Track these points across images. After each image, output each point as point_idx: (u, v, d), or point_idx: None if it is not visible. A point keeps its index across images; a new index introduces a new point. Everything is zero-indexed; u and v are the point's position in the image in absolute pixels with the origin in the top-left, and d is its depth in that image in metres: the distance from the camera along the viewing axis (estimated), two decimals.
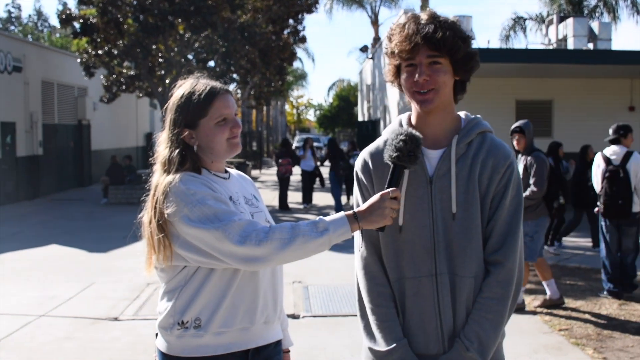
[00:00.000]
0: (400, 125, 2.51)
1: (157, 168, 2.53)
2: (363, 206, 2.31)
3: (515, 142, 7.60)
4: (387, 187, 2.30)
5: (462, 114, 2.52)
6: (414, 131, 2.29)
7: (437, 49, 2.29)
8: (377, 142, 2.55)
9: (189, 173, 2.45)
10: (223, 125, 2.50)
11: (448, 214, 2.35)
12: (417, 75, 2.32)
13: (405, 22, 2.35)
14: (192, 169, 2.47)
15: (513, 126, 7.66)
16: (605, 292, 8.09)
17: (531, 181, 7.41)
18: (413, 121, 2.48)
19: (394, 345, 2.38)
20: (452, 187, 2.34)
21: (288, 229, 2.30)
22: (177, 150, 2.46)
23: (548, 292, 7.68)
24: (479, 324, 2.31)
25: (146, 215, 2.49)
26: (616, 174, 8.18)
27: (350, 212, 2.32)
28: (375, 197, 2.29)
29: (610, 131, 8.42)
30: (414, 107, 2.44)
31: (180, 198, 2.35)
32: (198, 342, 2.44)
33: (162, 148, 2.53)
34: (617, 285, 8.07)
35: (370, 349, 2.44)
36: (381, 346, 2.40)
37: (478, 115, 2.51)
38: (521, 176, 7.38)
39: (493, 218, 2.36)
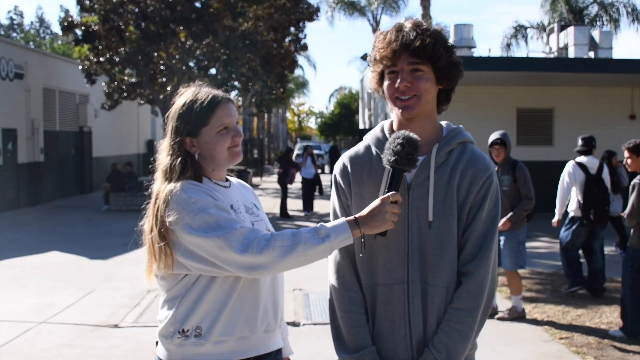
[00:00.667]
0: (382, 131, 2.51)
1: (158, 176, 2.53)
2: (364, 211, 2.29)
3: (495, 154, 7.53)
4: (387, 191, 2.29)
5: (443, 123, 2.52)
6: (411, 134, 2.28)
7: (418, 56, 2.30)
8: (358, 147, 2.55)
9: (190, 181, 2.45)
10: (224, 134, 2.50)
11: (424, 222, 2.34)
12: (398, 82, 2.33)
13: (389, 30, 2.37)
14: (193, 177, 2.47)
15: (493, 138, 7.54)
16: (570, 288, 8.34)
17: (524, 193, 7.46)
18: (395, 128, 2.48)
19: (361, 352, 2.38)
20: (430, 195, 2.34)
21: (289, 236, 2.30)
22: (178, 159, 2.47)
23: (512, 303, 7.66)
24: (448, 334, 2.30)
25: (147, 223, 2.49)
26: (602, 182, 8.63)
27: (351, 217, 2.31)
28: (375, 202, 2.27)
29: (581, 142, 8.84)
30: (396, 114, 2.44)
31: (181, 206, 2.35)
32: (198, 350, 2.43)
33: (164, 156, 2.53)
34: (575, 275, 8.42)
35: (339, 355, 2.45)
36: (349, 352, 2.41)
37: (460, 126, 2.51)
38: (507, 188, 7.44)
39: (469, 229, 2.35)
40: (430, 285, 2.34)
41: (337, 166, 2.53)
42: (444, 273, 2.33)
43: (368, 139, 2.54)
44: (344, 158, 2.53)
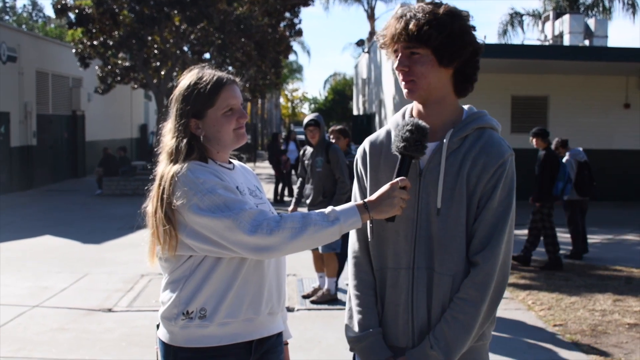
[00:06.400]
0: (403, 116, 2.50)
1: (163, 158, 2.50)
2: (373, 196, 2.30)
3: (309, 136, 7.79)
4: (396, 177, 2.29)
5: (466, 107, 2.47)
6: (420, 121, 2.28)
7: (410, 40, 2.29)
8: (379, 132, 2.54)
9: (197, 162, 2.43)
10: (230, 116, 2.49)
11: (433, 209, 2.32)
12: (395, 66, 2.35)
13: (390, 20, 2.38)
14: (199, 158, 2.46)
15: (307, 120, 7.81)
16: None
17: (337, 175, 7.67)
18: (414, 112, 2.47)
19: (365, 332, 2.40)
20: (440, 182, 2.31)
21: (299, 218, 2.30)
22: (185, 140, 2.44)
23: (326, 286, 7.77)
24: (448, 324, 2.26)
25: (151, 205, 2.46)
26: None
27: (361, 201, 2.32)
28: (385, 187, 2.28)
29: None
30: None
31: (189, 187, 2.33)
32: (203, 332, 2.42)
33: (168, 138, 2.50)
34: None
35: (346, 333, 2.48)
36: (354, 331, 2.44)
37: (483, 110, 2.45)
38: (321, 169, 7.68)
39: (478, 218, 2.29)
40: (436, 273, 2.31)
41: (359, 151, 2.54)
42: (450, 261, 2.30)
43: (390, 123, 2.53)
44: (365, 143, 2.53)
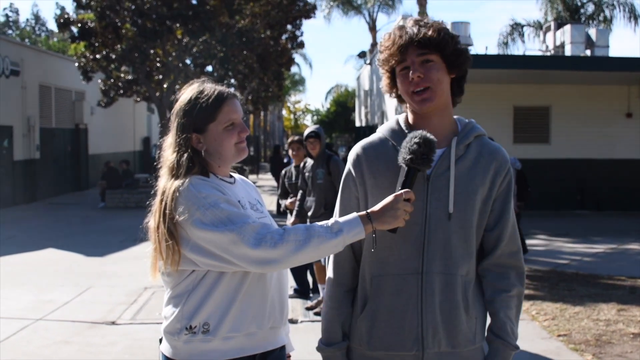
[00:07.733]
0: (398, 125, 2.49)
1: (164, 173, 2.49)
2: (376, 206, 2.29)
3: (310, 147, 7.83)
4: (401, 189, 2.29)
5: (455, 117, 2.53)
6: (428, 134, 2.28)
7: (425, 47, 2.32)
8: (371, 138, 2.52)
9: (199, 176, 2.42)
10: (231, 130, 2.48)
11: (443, 213, 2.35)
12: (410, 74, 2.33)
13: (391, 31, 2.41)
14: (200, 173, 2.45)
15: (308, 131, 7.84)
16: None
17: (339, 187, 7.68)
18: (411, 121, 2.47)
19: (336, 345, 2.49)
20: (451, 187, 2.35)
21: (302, 230, 2.29)
22: (185, 155, 2.43)
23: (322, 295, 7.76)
24: (511, 320, 2.44)
25: (153, 220, 2.45)
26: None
27: (364, 212, 2.31)
28: (389, 198, 2.28)
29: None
30: (412, 108, 2.44)
31: (192, 201, 2.32)
32: (206, 347, 2.42)
33: (169, 153, 2.49)
34: None
35: (319, 343, 2.56)
36: (325, 344, 2.53)
37: (472, 120, 2.53)
38: (322, 181, 7.72)
39: (501, 221, 2.42)
40: (452, 275, 2.37)
41: (351, 157, 2.50)
42: (464, 263, 2.38)
43: (383, 131, 2.51)
44: (357, 149, 2.50)
